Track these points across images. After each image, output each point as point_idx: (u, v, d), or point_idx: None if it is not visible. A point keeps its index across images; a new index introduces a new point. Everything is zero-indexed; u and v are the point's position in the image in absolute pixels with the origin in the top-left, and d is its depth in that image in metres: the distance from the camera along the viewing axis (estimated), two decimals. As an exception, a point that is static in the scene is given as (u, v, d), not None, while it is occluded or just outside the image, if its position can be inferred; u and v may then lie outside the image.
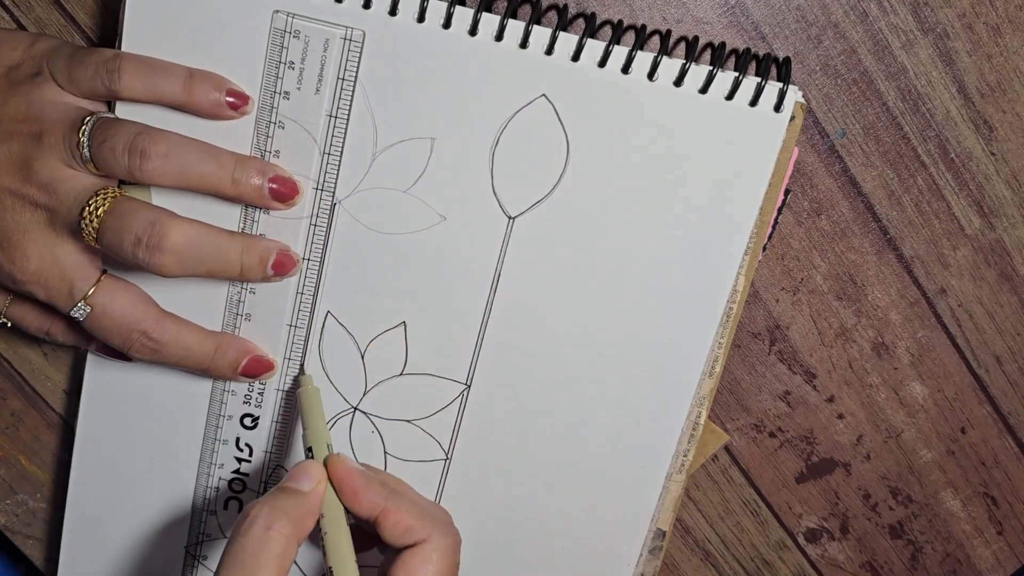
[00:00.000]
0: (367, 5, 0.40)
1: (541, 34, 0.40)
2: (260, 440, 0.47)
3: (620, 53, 0.40)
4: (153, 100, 0.40)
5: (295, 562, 0.41)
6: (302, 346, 0.45)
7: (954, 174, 0.46)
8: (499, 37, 0.40)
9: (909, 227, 0.47)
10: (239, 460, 0.47)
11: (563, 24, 0.40)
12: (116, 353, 0.44)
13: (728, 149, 0.41)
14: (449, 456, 0.47)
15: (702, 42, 0.43)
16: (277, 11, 0.40)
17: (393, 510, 0.40)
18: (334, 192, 0.43)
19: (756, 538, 0.53)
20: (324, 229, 0.43)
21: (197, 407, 0.47)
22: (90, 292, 0.40)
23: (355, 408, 0.46)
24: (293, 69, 0.41)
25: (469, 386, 0.46)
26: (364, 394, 0.46)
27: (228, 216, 0.42)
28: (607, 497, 0.47)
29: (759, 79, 0.40)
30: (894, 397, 0.50)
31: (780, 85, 0.40)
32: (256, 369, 0.44)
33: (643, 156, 0.42)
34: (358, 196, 0.43)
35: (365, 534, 0.43)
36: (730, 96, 0.40)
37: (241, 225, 0.43)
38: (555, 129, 0.41)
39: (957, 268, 0.48)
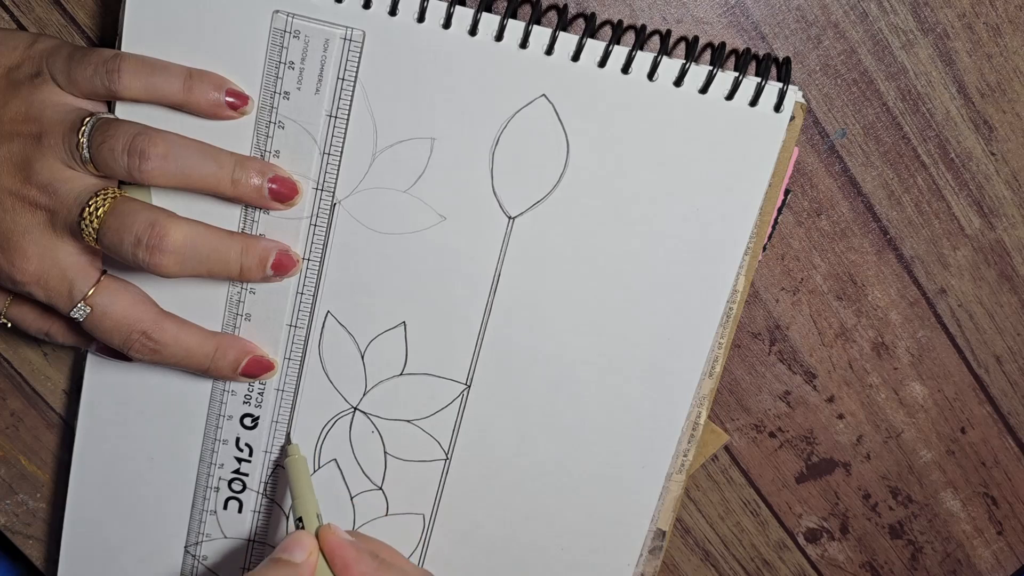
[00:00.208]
0: (367, 5, 0.40)
1: (541, 34, 0.40)
2: (260, 440, 0.47)
3: (620, 53, 0.40)
4: (153, 100, 0.40)
5: None
6: (302, 346, 0.45)
7: (954, 174, 0.46)
8: (499, 37, 0.40)
9: (909, 227, 0.47)
10: (239, 460, 0.47)
11: (563, 24, 0.40)
12: (116, 353, 0.44)
13: (728, 149, 0.41)
14: (449, 456, 0.47)
15: (702, 42, 0.43)
16: (277, 11, 0.40)
17: None
18: (334, 192, 0.43)
19: (756, 538, 0.53)
20: (324, 229, 0.43)
21: (197, 407, 0.47)
22: (90, 293, 0.40)
23: (355, 408, 0.46)
24: (293, 69, 0.41)
25: (469, 386, 0.46)
26: (364, 394, 0.46)
27: (228, 216, 0.42)
28: (607, 497, 0.47)
29: (759, 79, 0.40)
30: (894, 397, 0.50)
31: (780, 85, 0.40)
32: (256, 369, 0.44)
33: (643, 156, 0.42)
34: (358, 196, 0.43)
35: None
36: (730, 96, 0.40)
37: (241, 225, 0.43)
38: (555, 129, 0.41)
39: (957, 268, 0.48)
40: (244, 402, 0.46)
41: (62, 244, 0.40)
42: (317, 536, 0.42)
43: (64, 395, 0.51)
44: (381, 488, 0.48)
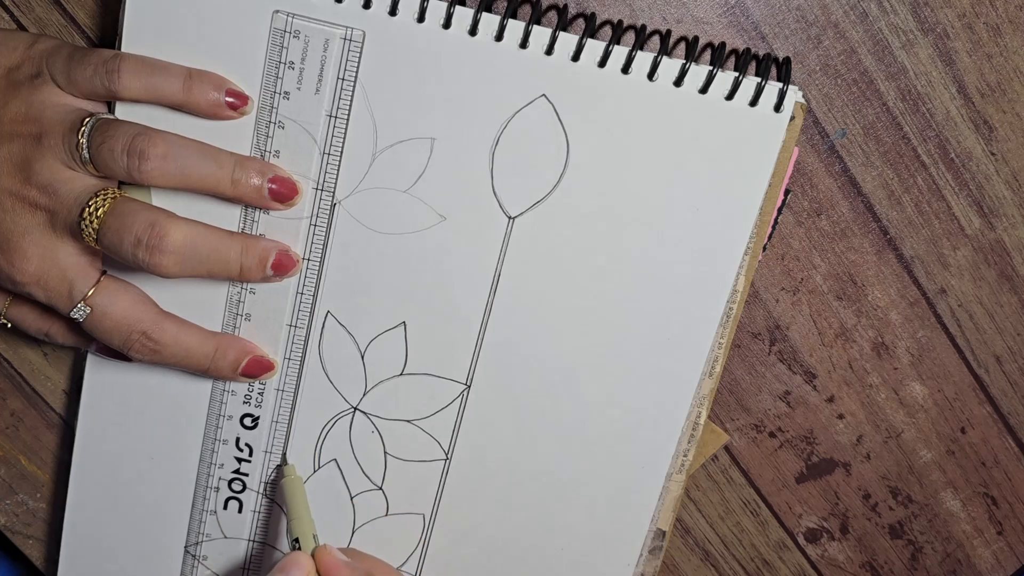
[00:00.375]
0: (367, 5, 0.40)
1: (541, 34, 0.40)
2: (260, 440, 0.47)
3: (620, 53, 0.40)
4: (152, 100, 0.40)
5: None
6: (302, 346, 0.45)
7: (954, 174, 0.46)
8: (499, 37, 0.40)
9: (909, 227, 0.47)
10: (239, 460, 0.47)
11: (563, 24, 0.40)
12: (116, 353, 0.44)
13: (728, 149, 0.41)
14: (449, 456, 0.47)
15: (702, 42, 0.43)
16: (277, 11, 0.40)
17: None
18: (334, 192, 0.43)
19: (756, 538, 0.53)
20: (324, 229, 0.43)
21: (197, 407, 0.47)
22: (90, 293, 0.40)
23: (355, 408, 0.46)
24: (293, 69, 0.41)
25: (469, 386, 0.46)
26: (364, 394, 0.46)
27: (228, 216, 0.42)
28: (607, 497, 0.47)
29: (759, 79, 0.40)
30: (894, 397, 0.50)
31: (780, 85, 0.40)
32: (256, 369, 0.44)
33: (643, 156, 0.42)
34: (358, 196, 0.43)
35: None
36: (730, 96, 0.40)
37: (241, 225, 0.43)
38: (555, 129, 0.41)
39: (957, 268, 0.48)
40: (244, 402, 0.46)
41: (62, 244, 0.40)
42: (313, 556, 0.43)
43: (64, 395, 0.51)
44: (381, 488, 0.48)
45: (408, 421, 0.46)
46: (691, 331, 0.44)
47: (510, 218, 0.43)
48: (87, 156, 0.39)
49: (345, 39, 0.40)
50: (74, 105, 0.40)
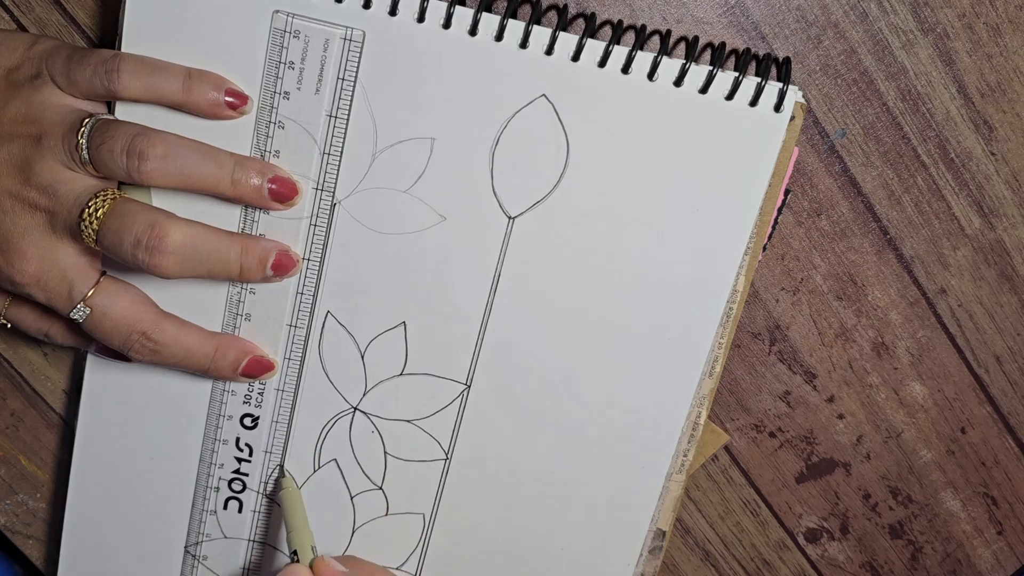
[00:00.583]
0: (367, 5, 0.40)
1: (541, 34, 0.40)
2: (260, 440, 0.47)
3: (620, 53, 0.40)
4: (152, 100, 0.40)
5: None
6: (302, 346, 0.45)
7: (954, 174, 0.46)
8: (499, 37, 0.40)
9: (909, 227, 0.47)
10: (239, 460, 0.47)
11: (563, 24, 0.40)
12: (116, 354, 0.44)
13: (728, 149, 0.41)
14: (449, 456, 0.47)
15: (702, 42, 0.43)
16: (277, 11, 0.40)
17: None
18: (334, 192, 0.43)
19: (756, 538, 0.53)
20: (324, 229, 0.43)
21: (197, 407, 0.47)
22: (89, 294, 0.40)
23: (355, 408, 0.46)
24: (293, 69, 0.41)
25: (469, 386, 0.46)
26: (364, 394, 0.46)
27: (228, 216, 0.42)
28: (607, 497, 0.47)
29: (759, 79, 0.40)
30: (894, 397, 0.50)
31: (780, 85, 0.40)
32: (256, 370, 0.44)
33: (643, 156, 0.42)
34: (358, 196, 0.43)
35: None
36: (730, 96, 0.40)
37: (241, 225, 0.43)
38: (555, 129, 0.41)
39: (957, 268, 0.48)
40: (244, 402, 0.46)
41: (62, 245, 0.40)
42: (312, 567, 0.43)
43: (64, 395, 0.51)
44: (381, 488, 0.48)
45: (408, 421, 0.46)
46: (691, 331, 0.44)
47: (510, 218, 0.43)
48: (87, 157, 0.39)
49: (345, 39, 0.40)
50: (74, 106, 0.40)
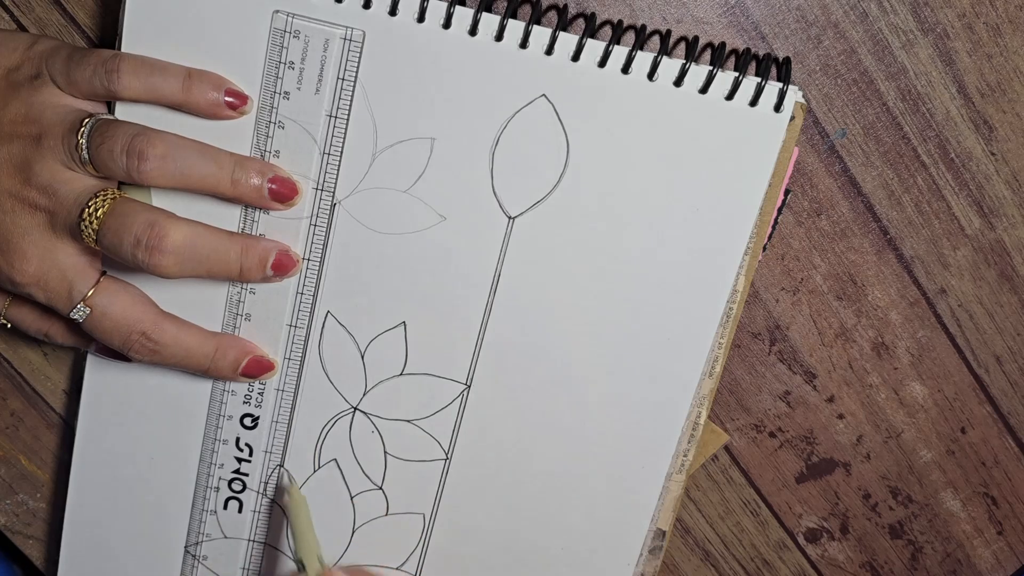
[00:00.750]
0: (367, 5, 0.40)
1: (541, 34, 0.40)
2: (260, 440, 0.47)
3: (620, 53, 0.40)
4: (152, 100, 0.40)
5: None
6: (302, 346, 0.45)
7: (954, 174, 0.46)
8: (499, 37, 0.40)
9: (909, 227, 0.47)
10: (239, 460, 0.47)
11: (563, 24, 0.40)
12: (116, 353, 0.44)
13: (728, 149, 0.41)
14: (449, 456, 0.47)
15: (702, 42, 0.43)
16: (277, 11, 0.40)
17: None
18: (334, 192, 0.43)
19: (756, 538, 0.53)
20: (324, 229, 0.43)
21: (197, 407, 0.47)
22: (89, 294, 0.40)
23: (355, 408, 0.46)
24: (293, 69, 0.41)
25: (469, 386, 0.46)
26: (364, 394, 0.46)
27: (228, 216, 0.42)
28: (607, 497, 0.47)
29: (759, 79, 0.40)
30: (894, 397, 0.50)
31: (780, 85, 0.40)
32: (256, 370, 0.44)
33: (643, 156, 0.42)
34: (358, 196, 0.43)
35: None
36: (730, 96, 0.40)
37: (241, 225, 0.43)
38: (555, 129, 0.41)
39: (957, 268, 0.48)
40: (244, 402, 0.46)
41: (62, 245, 0.40)
42: None
43: (64, 395, 0.51)
44: (381, 488, 0.48)
45: (408, 421, 0.46)
46: (691, 331, 0.44)
47: (510, 218, 0.43)
48: (87, 157, 0.39)
49: (345, 39, 0.40)
50: (74, 106, 0.40)
